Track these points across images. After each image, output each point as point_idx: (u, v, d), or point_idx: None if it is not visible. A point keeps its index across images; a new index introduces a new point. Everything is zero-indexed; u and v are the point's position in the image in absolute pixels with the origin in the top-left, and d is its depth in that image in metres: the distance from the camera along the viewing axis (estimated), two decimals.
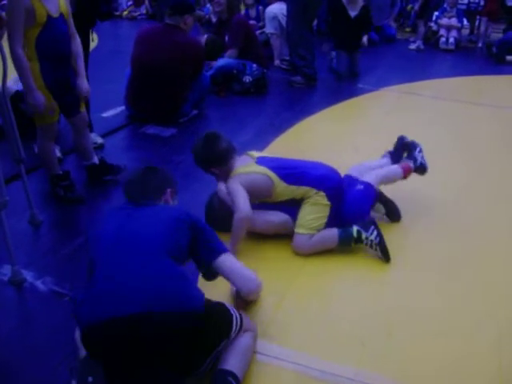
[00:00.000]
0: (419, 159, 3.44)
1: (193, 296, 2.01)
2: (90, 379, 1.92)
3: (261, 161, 3.07)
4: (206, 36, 6.21)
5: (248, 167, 3.02)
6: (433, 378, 2.24)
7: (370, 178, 3.23)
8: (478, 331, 2.51)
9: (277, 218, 3.06)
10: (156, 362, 1.94)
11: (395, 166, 3.43)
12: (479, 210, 3.60)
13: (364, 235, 2.97)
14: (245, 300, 2.48)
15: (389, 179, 3.35)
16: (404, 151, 3.54)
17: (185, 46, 4.91)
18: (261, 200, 3.04)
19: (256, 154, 3.18)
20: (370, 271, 2.93)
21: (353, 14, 6.77)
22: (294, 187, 2.99)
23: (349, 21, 6.76)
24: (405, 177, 3.38)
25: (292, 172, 3.02)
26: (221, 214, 3.06)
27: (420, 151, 3.49)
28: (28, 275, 2.73)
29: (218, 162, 3.01)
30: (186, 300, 1.97)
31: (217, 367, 2.07)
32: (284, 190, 2.99)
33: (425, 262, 3.02)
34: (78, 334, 2.14)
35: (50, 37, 3.08)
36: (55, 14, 3.10)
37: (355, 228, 2.99)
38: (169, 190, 2.44)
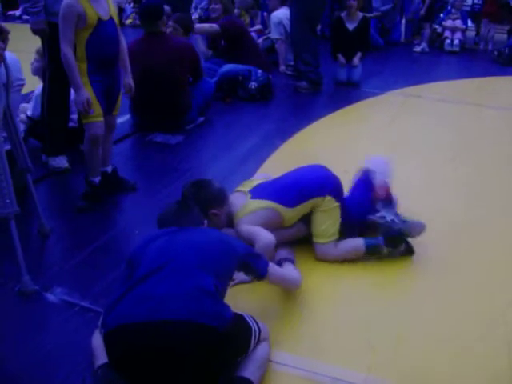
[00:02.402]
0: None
1: (219, 314, 2.00)
2: None
3: (255, 194, 2.98)
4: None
5: (248, 207, 2.91)
6: (442, 383, 2.24)
7: None
8: (487, 335, 2.50)
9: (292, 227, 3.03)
10: (175, 375, 1.94)
11: None
12: (488, 213, 3.59)
13: (394, 251, 3.00)
14: None
15: None
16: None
17: (178, 47, 4.93)
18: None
19: (245, 186, 3.10)
20: (378, 276, 2.92)
21: (351, 26, 6.67)
22: (300, 206, 2.95)
23: (347, 34, 6.67)
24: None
25: (291, 194, 2.94)
26: None
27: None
28: (37, 285, 2.74)
29: (217, 201, 2.83)
30: (212, 316, 1.96)
31: (234, 374, 2.07)
32: (292, 213, 2.96)
33: (433, 265, 3.01)
34: (96, 342, 2.15)
35: (99, 39, 3.26)
36: (105, 17, 3.28)
37: (386, 250, 2.98)
38: (206, 222, 2.54)
